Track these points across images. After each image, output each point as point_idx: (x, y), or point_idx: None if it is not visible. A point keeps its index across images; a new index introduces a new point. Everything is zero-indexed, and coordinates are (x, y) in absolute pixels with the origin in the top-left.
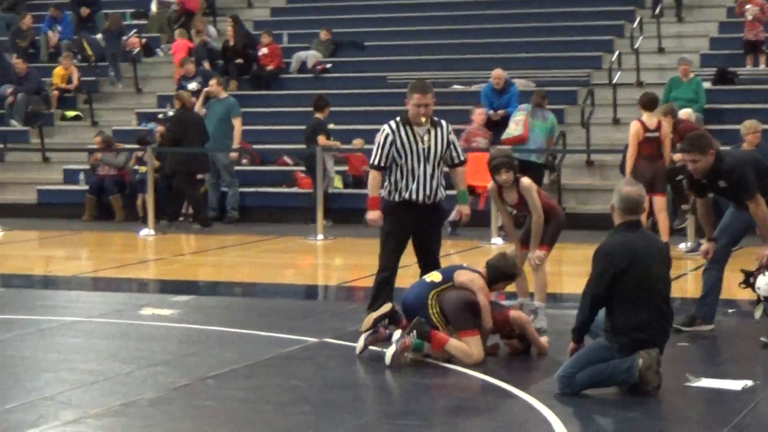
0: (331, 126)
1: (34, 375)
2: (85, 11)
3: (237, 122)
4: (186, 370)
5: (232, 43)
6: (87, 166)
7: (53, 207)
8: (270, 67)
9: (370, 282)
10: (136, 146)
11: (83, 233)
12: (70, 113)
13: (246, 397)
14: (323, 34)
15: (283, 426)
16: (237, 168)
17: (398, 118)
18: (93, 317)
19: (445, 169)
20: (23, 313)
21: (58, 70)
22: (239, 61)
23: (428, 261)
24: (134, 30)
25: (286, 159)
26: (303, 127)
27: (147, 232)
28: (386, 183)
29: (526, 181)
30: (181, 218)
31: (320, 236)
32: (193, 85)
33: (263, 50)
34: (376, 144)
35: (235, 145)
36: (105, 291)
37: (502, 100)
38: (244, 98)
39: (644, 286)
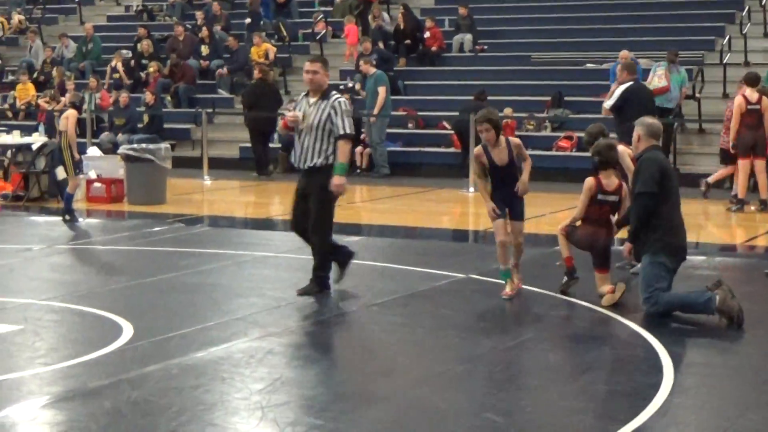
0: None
1: (229, 299)
2: None
3: (381, 90)
4: (354, 298)
5: (402, 27)
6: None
7: (251, 161)
8: (433, 48)
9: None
10: None
11: (275, 183)
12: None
13: (403, 322)
14: (461, 10)
15: (432, 346)
16: (404, 131)
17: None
18: (280, 253)
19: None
20: (225, 248)
21: (255, 49)
22: (408, 42)
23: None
24: (321, 15)
25: (445, 124)
26: (460, 98)
27: None
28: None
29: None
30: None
31: (471, 189)
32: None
33: (427, 33)
34: None
35: (376, 110)
36: (290, 231)
37: None
38: (411, 73)
39: (675, 194)
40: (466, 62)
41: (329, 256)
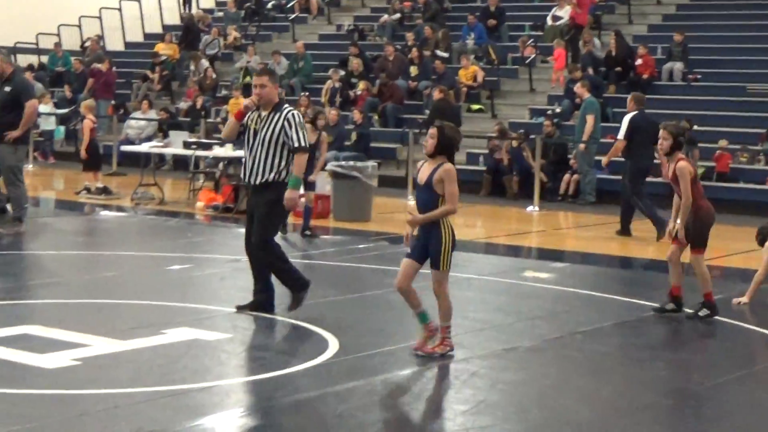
0: (695, 127)
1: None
2: (491, 22)
3: (589, 119)
4: (558, 325)
5: (614, 53)
6: (486, 151)
7: (463, 184)
8: (645, 75)
9: (720, 262)
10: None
11: (479, 206)
12: (475, 106)
13: (608, 352)
14: (677, 36)
15: (639, 377)
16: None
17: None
18: (483, 275)
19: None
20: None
21: (463, 71)
22: (618, 69)
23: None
24: (531, 39)
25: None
26: None
27: (532, 209)
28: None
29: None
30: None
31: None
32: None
33: (639, 60)
34: None
35: (585, 137)
36: (494, 254)
37: None
38: (620, 101)
39: None
40: (678, 91)
41: (283, 271)
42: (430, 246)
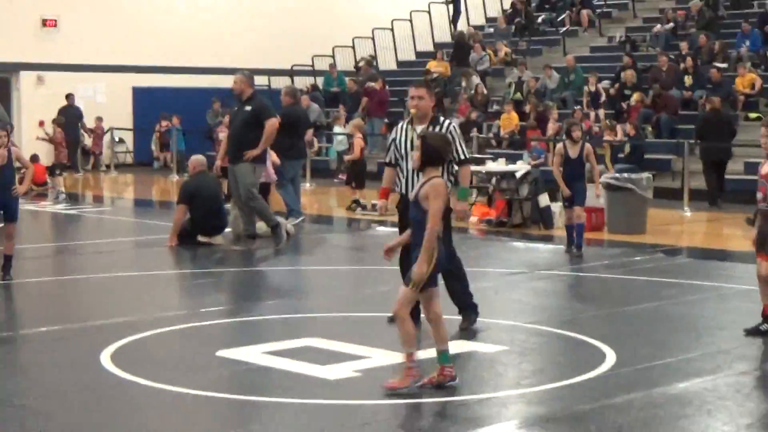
0: None
1: (712, 332)
2: None
3: None
4: None
5: None
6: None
7: (739, 194)
8: None
9: None
10: None
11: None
12: (753, 115)
13: None
14: None
15: None
16: None
17: (409, 119)
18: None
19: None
20: (706, 280)
21: (740, 79)
22: None
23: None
24: None
25: None
26: None
27: None
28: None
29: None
30: None
31: None
32: None
33: None
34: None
35: None
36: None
37: None
38: None
39: None
40: None
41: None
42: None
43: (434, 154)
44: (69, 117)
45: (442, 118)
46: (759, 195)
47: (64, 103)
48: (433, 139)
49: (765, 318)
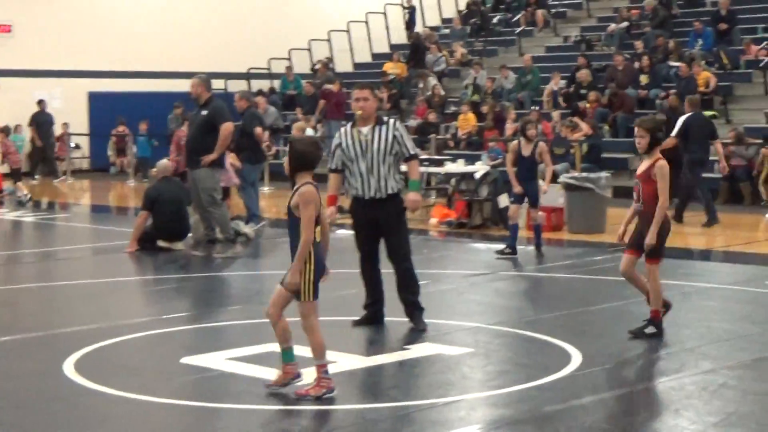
0: None
1: (676, 331)
2: (722, 26)
3: None
4: None
5: None
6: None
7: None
8: None
9: None
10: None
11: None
12: (708, 113)
13: None
14: None
15: None
16: None
17: (351, 122)
18: (725, 284)
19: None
20: (669, 279)
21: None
22: None
23: (390, 252)
24: (765, 42)
25: None
26: None
27: None
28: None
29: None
30: None
31: None
32: None
33: None
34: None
35: None
36: (734, 263)
37: None
38: None
39: None
40: None
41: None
42: None
43: (302, 158)
44: (41, 123)
45: (385, 118)
46: (634, 195)
47: (22, 109)
48: (300, 144)
49: (650, 321)
